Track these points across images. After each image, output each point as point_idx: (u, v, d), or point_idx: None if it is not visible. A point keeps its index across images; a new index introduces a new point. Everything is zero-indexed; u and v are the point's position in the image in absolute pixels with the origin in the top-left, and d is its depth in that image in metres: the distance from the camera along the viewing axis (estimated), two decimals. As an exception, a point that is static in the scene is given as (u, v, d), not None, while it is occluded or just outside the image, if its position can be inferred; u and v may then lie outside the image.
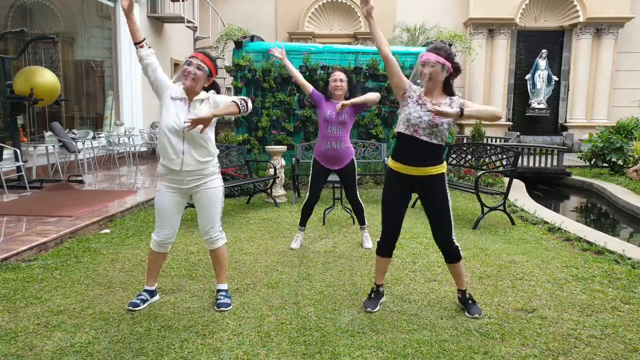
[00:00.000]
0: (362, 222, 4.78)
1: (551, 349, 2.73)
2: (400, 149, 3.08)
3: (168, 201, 3.14)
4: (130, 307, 3.19)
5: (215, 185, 3.17)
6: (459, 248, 3.20)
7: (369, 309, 3.21)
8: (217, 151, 3.20)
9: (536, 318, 3.13)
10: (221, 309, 3.20)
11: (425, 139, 2.96)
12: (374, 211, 6.09)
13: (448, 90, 3.03)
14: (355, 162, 4.59)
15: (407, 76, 8.41)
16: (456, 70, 2.97)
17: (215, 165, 3.19)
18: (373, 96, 4.17)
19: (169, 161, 3.04)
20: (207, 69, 3.04)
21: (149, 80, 3.13)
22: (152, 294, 3.36)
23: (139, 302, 3.24)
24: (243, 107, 3.00)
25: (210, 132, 3.11)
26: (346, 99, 4.34)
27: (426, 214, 3.20)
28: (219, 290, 3.35)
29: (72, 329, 2.93)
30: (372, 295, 3.34)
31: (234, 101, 3.01)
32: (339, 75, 4.39)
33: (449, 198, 3.12)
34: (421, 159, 3.01)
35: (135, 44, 3.10)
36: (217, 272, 3.37)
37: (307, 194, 4.62)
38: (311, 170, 4.58)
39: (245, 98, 3.10)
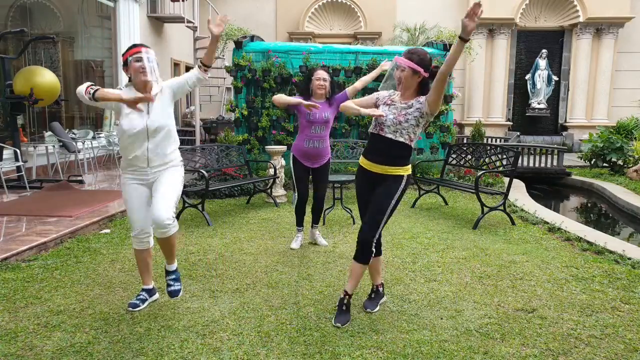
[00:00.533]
0: (317, 221, 4.82)
1: (551, 349, 2.73)
2: (368, 146, 3.14)
3: (137, 194, 3.11)
4: (130, 308, 3.19)
5: (177, 171, 3.13)
6: (374, 249, 3.08)
7: (367, 310, 3.22)
8: (178, 142, 3.19)
9: (536, 318, 3.13)
10: (174, 297, 3.19)
11: (390, 136, 2.98)
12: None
13: (423, 92, 3.02)
14: (330, 162, 4.67)
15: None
16: (432, 75, 2.96)
17: (178, 155, 3.18)
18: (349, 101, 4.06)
19: (135, 159, 3.04)
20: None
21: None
22: (150, 292, 3.35)
23: (138, 302, 3.24)
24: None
25: (172, 124, 3.09)
26: (327, 98, 4.42)
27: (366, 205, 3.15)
28: (168, 272, 3.24)
29: (72, 329, 2.93)
30: (372, 296, 3.36)
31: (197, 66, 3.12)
32: (322, 74, 4.41)
33: (392, 201, 3.02)
34: (384, 158, 3.03)
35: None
36: (166, 255, 3.21)
37: (295, 195, 4.64)
38: (293, 171, 4.59)
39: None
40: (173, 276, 3.25)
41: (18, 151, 7.01)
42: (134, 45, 3.02)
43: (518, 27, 14.79)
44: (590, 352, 2.70)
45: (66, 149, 8.40)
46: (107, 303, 3.32)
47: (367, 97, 3.23)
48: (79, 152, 8.66)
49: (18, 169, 7.09)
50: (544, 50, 14.76)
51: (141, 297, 3.29)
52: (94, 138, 9.66)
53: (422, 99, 2.99)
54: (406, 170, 3.07)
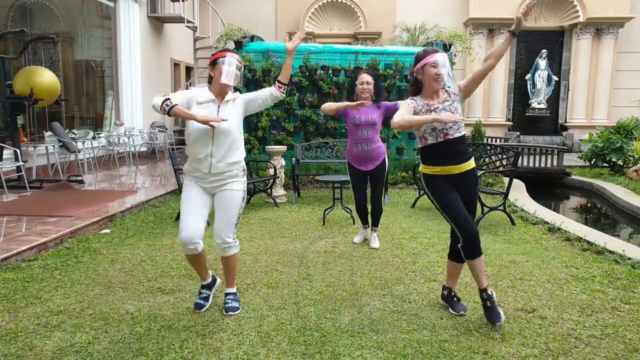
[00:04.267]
0: (376, 224, 4.79)
1: (551, 349, 2.73)
2: (439, 154, 3.03)
3: (196, 192, 3.08)
4: (197, 310, 3.18)
5: (236, 188, 3.12)
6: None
7: (461, 312, 3.18)
8: (244, 154, 3.18)
9: (536, 318, 3.12)
10: (229, 313, 3.15)
11: (457, 135, 3.00)
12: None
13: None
14: (387, 162, 4.64)
15: (407, 77, 8.31)
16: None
17: (241, 168, 3.16)
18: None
19: (197, 162, 3.04)
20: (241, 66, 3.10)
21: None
22: (209, 287, 3.35)
23: (202, 302, 3.24)
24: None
25: (238, 135, 3.09)
26: (373, 101, 4.41)
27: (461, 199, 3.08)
28: (227, 294, 3.29)
29: (72, 329, 2.93)
30: (455, 299, 3.31)
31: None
32: (366, 78, 4.39)
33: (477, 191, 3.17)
34: (462, 155, 3.04)
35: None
36: (226, 277, 3.30)
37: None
38: (350, 176, 4.62)
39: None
40: (232, 297, 3.27)
41: (18, 151, 7.01)
42: (226, 49, 3.08)
43: (518, 27, 14.79)
44: (590, 352, 2.70)
45: (66, 149, 8.41)
46: (107, 303, 3.32)
47: (404, 106, 3.02)
48: (79, 152, 8.66)
49: (18, 169, 7.09)
50: (544, 50, 14.77)
51: (203, 295, 3.29)
52: (94, 138, 9.66)
53: (455, 89, 3.03)
54: (473, 162, 3.14)
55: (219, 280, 3.48)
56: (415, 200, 6.76)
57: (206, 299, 3.28)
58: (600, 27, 14.37)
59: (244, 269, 4.03)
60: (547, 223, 5.60)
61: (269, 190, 6.83)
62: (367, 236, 4.90)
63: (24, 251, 4.23)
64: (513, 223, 5.68)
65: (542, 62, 14.80)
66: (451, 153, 3.02)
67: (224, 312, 3.17)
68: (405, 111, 2.97)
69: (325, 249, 4.65)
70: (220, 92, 3.04)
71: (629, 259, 4.25)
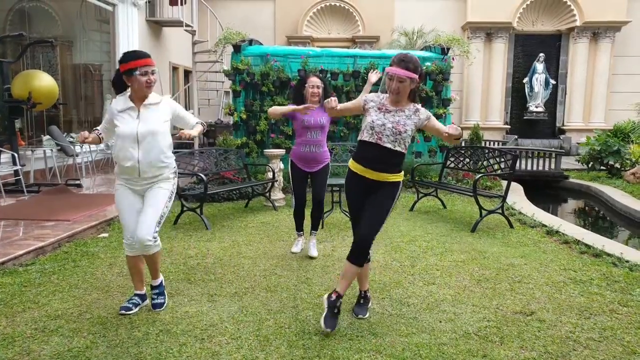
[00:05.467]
0: (315, 227, 4.68)
1: (550, 352, 2.73)
2: (362, 153, 3.07)
3: (128, 202, 3.13)
4: (123, 311, 3.19)
5: (164, 186, 3.15)
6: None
7: (359, 316, 3.19)
8: (173, 157, 3.22)
9: (535, 321, 3.13)
10: (156, 310, 3.20)
11: (389, 145, 2.97)
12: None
13: (412, 98, 3.06)
14: (330, 166, 4.63)
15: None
16: (421, 77, 3.01)
17: (171, 169, 3.20)
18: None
19: (126, 168, 3.07)
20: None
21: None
22: (143, 298, 3.35)
23: (131, 305, 3.24)
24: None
25: (163, 139, 3.10)
26: (321, 104, 4.39)
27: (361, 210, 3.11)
28: (152, 287, 3.32)
29: (70, 333, 2.92)
30: (361, 302, 3.32)
31: (199, 123, 3.29)
32: (315, 81, 4.41)
33: (391, 206, 3.07)
34: (383, 165, 3.01)
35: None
36: (150, 271, 3.31)
37: (293, 200, 4.63)
38: (291, 175, 4.59)
39: (203, 122, 3.33)
40: (157, 291, 3.34)
41: (16, 155, 7.00)
42: (138, 56, 3.02)
43: (515, 31, 14.85)
44: (589, 354, 2.70)
45: (64, 152, 8.39)
46: (105, 307, 3.31)
47: (355, 100, 3.22)
48: (77, 155, 8.65)
49: (16, 172, 7.08)
50: (541, 54, 14.81)
51: (134, 301, 3.28)
52: (92, 142, 9.63)
53: (423, 114, 3.02)
54: (401, 176, 3.12)
55: (148, 302, 3.38)
56: (414, 204, 6.76)
57: (135, 305, 3.26)
58: (597, 31, 14.42)
59: (243, 273, 4.03)
60: (545, 226, 5.60)
61: (267, 194, 6.83)
62: (308, 246, 4.67)
63: (21, 255, 4.22)
64: (511, 226, 5.68)
65: (539, 66, 14.84)
66: (376, 159, 3.00)
67: (151, 308, 3.23)
68: (345, 104, 3.23)
69: (324, 252, 4.65)
70: (140, 98, 3.07)
71: (627, 261, 4.26)
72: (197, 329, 3.00)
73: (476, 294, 3.59)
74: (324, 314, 2.98)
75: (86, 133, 3.11)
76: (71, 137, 9.16)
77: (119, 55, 10.79)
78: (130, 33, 11.01)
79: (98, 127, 3.23)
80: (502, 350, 2.74)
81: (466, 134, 13.66)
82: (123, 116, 3.05)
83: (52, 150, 8.12)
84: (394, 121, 2.98)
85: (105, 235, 5.18)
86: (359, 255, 3.01)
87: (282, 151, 7.24)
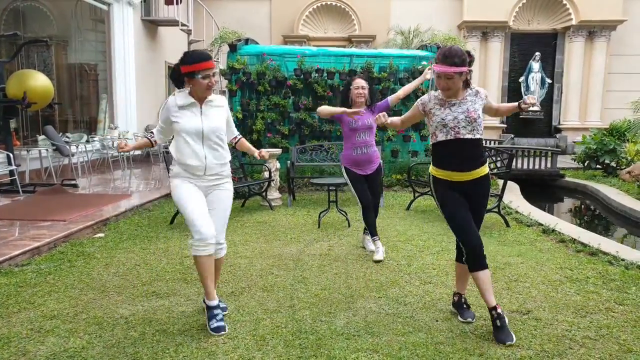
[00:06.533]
0: (373, 232, 4.50)
1: (546, 350, 2.74)
2: (444, 154, 2.96)
3: (194, 190, 3.00)
4: (219, 333, 2.91)
5: (229, 187, 3.17)
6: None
7: (468, 319, 3.11)
8: (230, 156, 3.18)
9: (531, 319, 3.13)
10: (221, 333, 2.90)
11: (469, 136, 2.88)
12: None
13: (466, 84, 2.97)
14: (382, 167, 4.62)
15: (401, 79, 8.32)
16: (471, 62, 2.92)
17: (230, 167, 3.20)
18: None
19: (190, 167, 3.00)
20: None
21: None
22: (224, 308, 3.18)
23: (222, 323, 2.96)
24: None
25: (225, 137, 3.12)
26: (367, 105, 4.46)
27: (470, 210, 3.01)
28: (211, 308, 2.98)
29: (66, 333, 2.91)
30: (465, 306, 3.24)
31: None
32: (361, 82, 4.44)
33: (487, 201, 3.10)
34: (471, 161, 2.92)
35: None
36: (215, 277, 3.13)
37: (360, 204, 4.52)
38: (349, 182, 4.54)
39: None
40: (220, 310, 3.04)
41: (11, 155, 6.97)
42: (201, 59, 2.94)
43: (511, 30, 14.88)
44: (585, 353, 2.71)
45: (60, 152, 8.36)
46: (101, 307, 3.30)
47: (411, 109, 3.14)
48: (72, 155, 8.61)
49: (11, 173, 7.05)
50: (537, 53, 14.85)
51: (220, 316, 2.99)
52: (87, 142, 9.61)
53: (482, 93, 2.96)
54: (487, 167, 3.04)
55: (226, 306, 3.28)
56: (410, 203, 6.76)
57: (222, 319, 3.01)
58: (592, 30, 14.47)
59: (239, 273, 4.02)
60: (542, 225, 5.62)
61: (264, 193, 6.82)
62: (371, 247, 4.54)
63: (17, 256, 4.20)
64: (507, 225, 5.70)
65: (535, 65, 14.88)
66: (461, 155, 2.90)
67: (210, 331, 2.91)
68: (404, 115, 3.19)
69: (321, 251, 4.65)
70: (201, 99, 3.03)
71: (623, 260, 4.27)
72: (193, 328, 2.99)
73: (473, 292, 3.59)
74: (499, 332, 2.82)
75: (123, 142, 3.07)
76: (67, 137, 9.13)
77: (114, 54, 10.82)
78: (125, 32, 10.98)
79: (153, 131, 3.18)
80: (498, 349, 2.74)
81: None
82: (185, 112, 2.97)
83: (47, 150, 8.09)
84: (463, 110, 2.88)
85: (102, 235, 5.16)
86: (482, 259, 2.89)
87: (278, 150, 7.22)
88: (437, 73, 2.86)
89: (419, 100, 3.09)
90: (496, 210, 5.78)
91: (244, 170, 7.23)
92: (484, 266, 2.91)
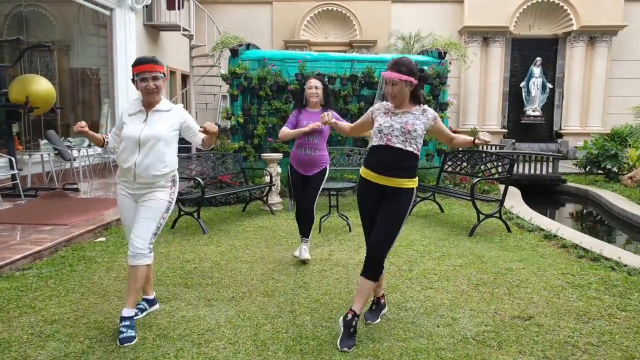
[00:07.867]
0: (307, 234, 4.54)
1: (548, 356, 2.73)
2: (373, 157, 3.03)
3: (127, 202, 3.09)
4: (126, 344, 2.87)
5: (161, 196, 3.03)
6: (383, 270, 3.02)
7: (368, 321, 3.17)
8: (175, 165, 3.12)
9: (533, 325, 3.12)
10: (125, 344, 2.82)
11: (399, 146, 2.92)
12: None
13: (416, 100, 3.03)
14: (328, 172, 4.56)
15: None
16: (422, 80, 3.01)
17: (169, 179, 3.08)
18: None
19: (122, 170, 3.05)
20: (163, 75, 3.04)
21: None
22: (151, 303, 3.32)
23: (137, 311, 3.16)
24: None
25: (165, 147, 3.01)
26: (322, 105, 4.50)
27: (375, 220, 3.03)
28: (123, 318, 2.91)
29: (67, 338, 2.91)
30: (373, 307, 3.29)
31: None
32: (315, 82, 4.49)
33: (406, 215, 3.00)
34: (395, 169, 2.94)
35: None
36: (127, 290, 3.00)
37: (291, 202, 4.60)
38: (290, 179, 4.60)
39: None
40: (127, 323, 2.91)
41: (13, 159, 6.98)
42: (138, 62, 2.99)
43: (512, 35, 14.91)
44: (587, 359, 2.70)
45: (61, 157, 8.37)
46: (102, 312, 3.29)
47: (364, 115, 3.24)
48: (74, 160, 8.63)
49: (13, 177, 7.05)
50: (538, 58, 14.86)
51: (140, 306, 3.25)
52: (89, 146, 9.62)
53: (430, 114, 3.01)
54: (415, 182, 3.04)
55: (158, 307, 3.37)
56: (411, 208, 6.75)
57: (142, 310, 3.23)
58: (593, 35, 14.49)
59: (240, 277, 4.02)
60: (543, 230, 5.61)
61: (264, 198, 6.82)
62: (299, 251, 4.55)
63: (18, 260, 4.20)
64: (509, 230, 5.68)
65: (536, 70, 14.89)
66: (386, 160, 2.95)
67: (117, 342, 2.84)
68: (357, 121, 3.30)
69: (322, 256, 4.64)
70: (148, 104, 3.05)
71: (625, 265, 4.26)
72: (194, 333, 2.99)
73: (474, 298, 3.59)
74: (341, 334, 2.86)
75: (83, 123, 3.09)
76: (68, 141, 9.15)
77: (116, 59, 10.84)
78: (127, 37, 11.01)
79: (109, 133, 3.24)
80: (500, 355, 2.74)
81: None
82: (132, 119, 3.04)
83: (49, 154, 8.11)
84: (402, 121, 2.95)
85: (103, 239, 5.16)
86: (373, 269, 2.92)
87: (279, 155, 7.23)
88: (384, 79, 2.96)
89: (371, 108, 3.19)
90: (497, 215, 5.77)
91: (245, 175, 7.23)
92: (370, 277, 2.93)
